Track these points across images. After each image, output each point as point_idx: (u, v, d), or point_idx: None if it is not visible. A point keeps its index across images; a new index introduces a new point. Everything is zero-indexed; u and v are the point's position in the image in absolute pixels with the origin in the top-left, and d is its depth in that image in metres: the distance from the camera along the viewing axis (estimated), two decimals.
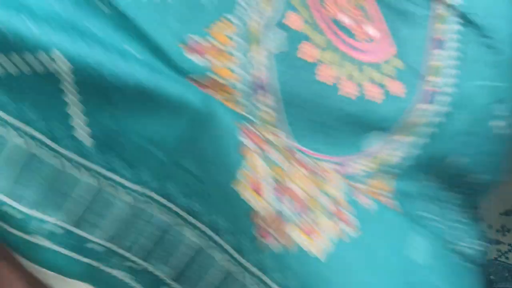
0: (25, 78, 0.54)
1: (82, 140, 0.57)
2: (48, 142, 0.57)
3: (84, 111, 0.56)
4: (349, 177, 0.70)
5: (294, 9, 0.66)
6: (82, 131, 0.57)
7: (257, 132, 0.62)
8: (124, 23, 0.57)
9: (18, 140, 0.56)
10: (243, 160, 0.59)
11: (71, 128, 0.56)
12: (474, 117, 0.76)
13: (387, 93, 0.71)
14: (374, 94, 0.70)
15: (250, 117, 0.63)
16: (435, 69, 0.76)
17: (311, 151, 0.67)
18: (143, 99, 0.55)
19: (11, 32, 0.51)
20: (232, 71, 0.61)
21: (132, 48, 0.57)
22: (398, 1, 0.78)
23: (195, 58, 0.59)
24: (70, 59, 0.53)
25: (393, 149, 0.74)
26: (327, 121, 0.68)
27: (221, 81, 0.61)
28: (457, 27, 0.78)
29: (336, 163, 0.69)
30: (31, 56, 0.53)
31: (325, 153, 0.68)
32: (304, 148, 0.67)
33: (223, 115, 0.59)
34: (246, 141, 0.60)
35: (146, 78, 0.55)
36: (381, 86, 0.71)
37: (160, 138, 0.57)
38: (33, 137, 0.56)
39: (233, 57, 0.61)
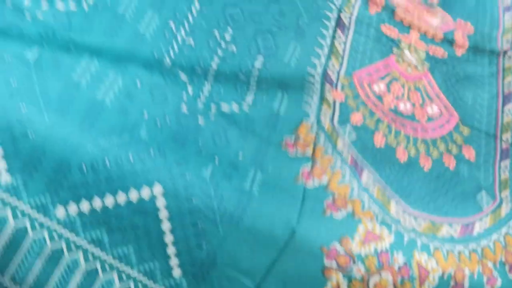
0: (126, 214, 0.62)
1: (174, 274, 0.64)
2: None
3: (174, 241, 0.63)
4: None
5: (353, 111, 0.76)
6: (172, 261, 0.63)
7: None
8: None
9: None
10: (327, 282, 0.64)
11: (167, 259, 0.63)
12: None
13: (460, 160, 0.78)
14: (450, 162, 0.77)
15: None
16: (509, 125, 0.83)
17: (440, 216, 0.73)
18: (232, 228, 0.62)
19: (119, 168, 0.60)
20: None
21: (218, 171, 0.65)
22: (461, 68, 0.86)
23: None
24: (166, 188, 0.61)
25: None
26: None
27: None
28: None
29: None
30: (136, 192, 0.61)
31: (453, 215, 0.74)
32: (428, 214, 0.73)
33: (309, 241, 0.64)
34: (330, 263, 0.65)
35: (234, 206, 0.62)
36: (454, 155, 0.78)
37: (248, 266, 0.63)
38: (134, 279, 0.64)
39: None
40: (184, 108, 0.68)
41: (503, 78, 0.87)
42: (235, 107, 0.70)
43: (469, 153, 0.79)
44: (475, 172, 0.77)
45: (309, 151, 0.69)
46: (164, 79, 0.69)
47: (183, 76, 0.70)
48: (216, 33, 0.74)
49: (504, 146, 0.80)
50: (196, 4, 0.75)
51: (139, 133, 0.64)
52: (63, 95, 0.63)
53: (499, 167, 0.79)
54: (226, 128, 0.68)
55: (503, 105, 0.85)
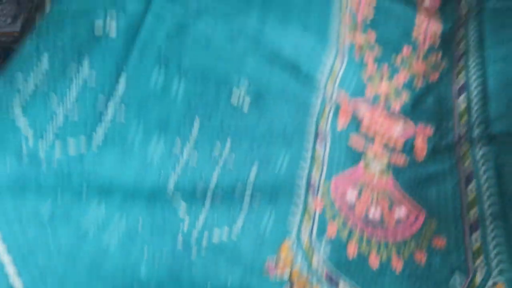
0: None
1: None
2: None
3: None
4: None
5: (329, 221, 0.85)
6: None
7: None
8: None
9: None
10: None
11: None
12: None
13: (431, 252, 0.85)
14: (421, 258, 0.85)
15: None
16: (474, 201, 0.89)
17: None
18: None
19: None
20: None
21: None
22: (422, 171, 0.94)
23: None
24: None
25: None
26: None
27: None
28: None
29: None
30: None
31: None
32: None
33: None
34: None
35: None
36: (425, 249, 0.85)
37: None
38: None
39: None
40: (180, 243, 0.77)
41: (463, 163, 0.94)
42: (225, 233, 0.79)
43: (440, 243, 0.86)
44: (447, 258, 0.84)
45: (287, 273, 0.76)
46: (163, 215, 0.77)
47: (182, 207, 0.78)
48: (218, 144, 0.84)
49: (472, 221, 0.87)
50: (197, 119, 0.84)
51: (139, 272, 0.73)
52: (72, 246, 0.72)
53: (470, 241, 0.85)
54: (216, 259, 0.77)
55: (466, 186, 0.91)
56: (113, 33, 0.86)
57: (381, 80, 1.06)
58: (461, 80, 1.02)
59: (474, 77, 1.01)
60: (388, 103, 1.03)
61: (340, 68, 1.02)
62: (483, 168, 0.90)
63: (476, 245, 0.83)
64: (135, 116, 0.81)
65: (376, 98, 1.04)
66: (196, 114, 0.84)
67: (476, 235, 0.84)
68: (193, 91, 0.86)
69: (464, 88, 1.01)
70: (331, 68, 1.00)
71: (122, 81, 0.82)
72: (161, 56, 0.87)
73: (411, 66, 1.09)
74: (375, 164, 0.94)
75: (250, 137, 0.86)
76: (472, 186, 0.90)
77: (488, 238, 0.83)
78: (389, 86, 1.06)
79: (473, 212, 0.87)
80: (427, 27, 1.15)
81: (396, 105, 1.04)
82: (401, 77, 1.07)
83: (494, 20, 1.07)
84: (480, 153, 0.92)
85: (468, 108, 0.98)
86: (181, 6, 0.94)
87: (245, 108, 0.88)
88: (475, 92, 0.99)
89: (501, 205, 0.86)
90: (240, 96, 0.89)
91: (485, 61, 1.01)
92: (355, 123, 0.98)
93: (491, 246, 0.82)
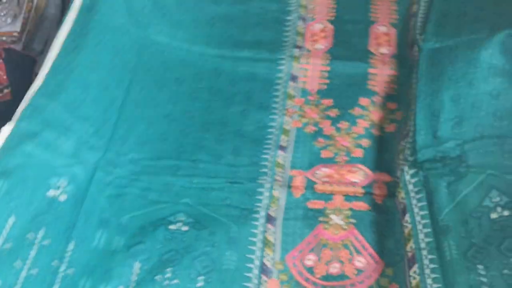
0: None
1: None
2: None
3: None
4: None
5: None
6: None
7: None
8: None
9: None
10: None
11: None
12: None
13: None
14: None
15: None
16: (410, 235, 0.92)
17: None
18: None
19: None
20: None
21: None
22: (381, 214, 1.00)
23: None
24: None
25: None
26: None
27: None
28: None
29: None
30: None
31: None
32: None
33: None
34: None
35: None
36: None
37: None
38: None
39: None
40: None
41: (399, 196, 0.98)
42: None
43: None
44: None
45: None
46: None
47: None
48: (158, 278, 0.94)
49: (409, 255, 0.90)
50: (137, 264, 0.96)
51: None
52: None
53: (409, 276, 0.88)
54: None
55: (403, 218, 0.95)
56: (63, 198, 1.00)
57: (340, 135, 1.13)
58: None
59: (410, 113, 1.07)
60: (348, 154, 1.10)
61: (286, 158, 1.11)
62: (416, 198, 0.94)
63: (415, 280, 0.86)
64: (82, 274, 0.94)
65: (336, 154, 1.10)
66: (135, 260, 0.96)
67: (415, 268, 0.87)
68: (132, 242, 0.98)
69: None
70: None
71: (71, 245, 0.96)
72: (102, 218, 1.01)
73: (369, 116, 1.15)
74: (337, 217, 1.00)
75: (191, 256, 0.96)
76: (407, 217, 0.93)
77: (425, 272, 0.86)
78: (348, 139, 1.12)
79: (410, 246, 0.90)
80: (382, 76, 1.21)
81: (356, 154, 1.10)
82: (360, 128, 1.14)
83: (428, 59, 1.11)
84: (412, 181, 0.96)
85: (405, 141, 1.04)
86: (122, 169, 1.09)
87: (185, 229, 0.99)
88: (410, 125, 1.05)
89: (435, 237, 0.89)
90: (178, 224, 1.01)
91: (416, 97, 1.06)
92: (310, 189, 1.05)
93: (429, 281, 0.85)
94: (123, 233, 0.99)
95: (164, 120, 1.18)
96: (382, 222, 0.99)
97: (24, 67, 1.43)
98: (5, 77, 1.36)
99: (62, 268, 0.93)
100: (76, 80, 1.09)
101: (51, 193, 0.99)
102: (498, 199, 0.88)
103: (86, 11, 1.21)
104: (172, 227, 1.00)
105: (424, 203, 0.92)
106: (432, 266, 0.86)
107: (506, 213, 0.86)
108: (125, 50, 1.21)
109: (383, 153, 1.10)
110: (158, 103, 1.20)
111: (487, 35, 1.04)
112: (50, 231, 0.95)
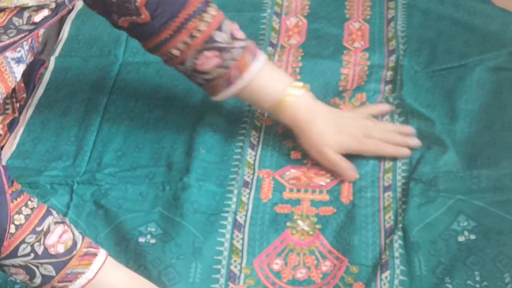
0: None
1: None
2: None
3: None
4: None
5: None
6: None
7: None
8: None
9: None
10: None
11: None
12: None
13: None
14: None
15: None
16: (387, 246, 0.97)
17: None
18: None
19: None
20: None
21: None
22: (348, 216, 1.02)
23: None
24: None
25: None
26: None
27: None
28: None
29: None
30: None
31: None
32: None
33: None
34: None
35: None
36: None
37: None
38: None
39: None
40: None
41: (384, 214, 1.03)
42: None
43: None
44: None
45: None
46: None
47: None
48: None
49: (383, 261, 0.94)
50: None
51: None
52: None
53: (380, 279, 0.92)
54: None
55: (385, 238, 0.99)
56: None
57: None
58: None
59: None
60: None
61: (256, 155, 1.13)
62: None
63: (385, 286, 0.90)
64: None
65: (304, 156, 1.13)
66: None
67: (386, 274, 0.91)
68: None
69: None
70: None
71: None
72: None
73: None
74: (303, 223, 1.03)
75: (157, 270, 0.96)
76: (388, 240, 0.97)
77: (395, 283, 0.90)
78: None
79: (386, 253, 0.95)
80: (353, 73, 1.26)
81: None
82: None
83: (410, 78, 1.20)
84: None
85: None
86: (99, 183, 1.10)
87: (153, 242, 1.01)
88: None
89: (406, 251, 0.94)
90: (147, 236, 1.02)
91: None
92: (278, 194, 1.07)
93: None
94: None
95: (140, 130, 1.20)
96: (348, 222, 1.02)
97: None
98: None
99: None
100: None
101: None
102: (465, 223, 0.95)
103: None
104: (141, 240, 1.01)
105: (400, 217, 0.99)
106: (401, 277, 0.91)
107: (472, 237, 0.94)
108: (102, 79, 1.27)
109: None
110: (135, 114, 1.23)
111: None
112: None
